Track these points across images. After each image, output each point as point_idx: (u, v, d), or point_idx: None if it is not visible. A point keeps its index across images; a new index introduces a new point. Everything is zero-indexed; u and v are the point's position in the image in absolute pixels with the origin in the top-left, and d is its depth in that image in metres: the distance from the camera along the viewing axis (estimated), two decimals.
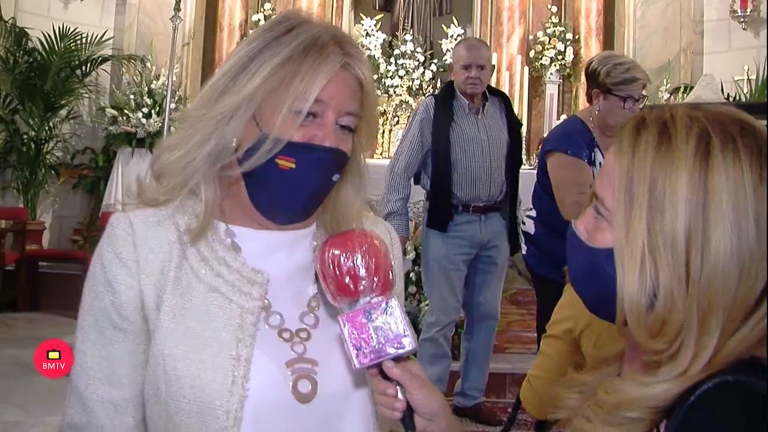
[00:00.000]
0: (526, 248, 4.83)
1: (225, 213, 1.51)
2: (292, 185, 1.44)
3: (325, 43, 1.43)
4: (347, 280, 1.35)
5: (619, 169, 1.13)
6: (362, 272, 1.35)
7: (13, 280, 8.73)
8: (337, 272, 1.36)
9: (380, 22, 10.92)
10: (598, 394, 1.15)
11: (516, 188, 5.45)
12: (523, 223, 4.92)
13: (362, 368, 1.34)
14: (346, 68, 1.45)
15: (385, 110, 10.06)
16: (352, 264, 1.36)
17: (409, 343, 1.33)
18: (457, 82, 5.28)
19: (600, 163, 4.18)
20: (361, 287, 1.35)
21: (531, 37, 10.73)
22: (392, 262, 1.44)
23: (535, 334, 5.06)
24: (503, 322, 6.24)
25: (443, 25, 10.97)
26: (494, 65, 5.76)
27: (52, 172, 9.84)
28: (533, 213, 4.69)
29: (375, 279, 1.36)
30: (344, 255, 1.36)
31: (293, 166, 1.41)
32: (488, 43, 7.49)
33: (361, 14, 11.10)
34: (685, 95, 9.02)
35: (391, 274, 1.40)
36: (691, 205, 1.06)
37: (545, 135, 8.56)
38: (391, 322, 1.34)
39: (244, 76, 1.43)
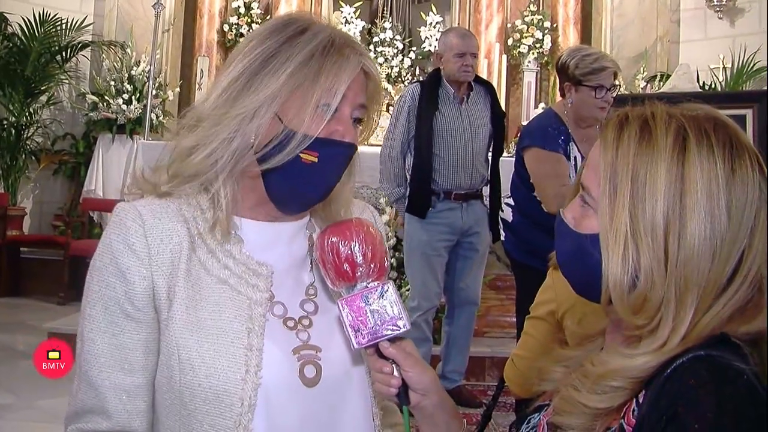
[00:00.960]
0: (504, 235, 4.89)
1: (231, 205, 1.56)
2: (313, 178, 1.50)
3: (341, 44, 1.50)
4: (345, 266, 1.43)
5: (604, 162, 1.24)
6: (359, 259, 1.43)
7: None
8: (336, 259, 1.43)
9: (359, 10, 10.90)
10: (585, 366, 1.26)
11: (498, 177, 5.55)
12: (502, 211, 5.00)
13: (360, 348, 1.43)
14: (362, 66, 1.52)
15: None
16: (349, 251, 1.43)
17: (403, 325, 1.42)
18: (449, 70, 5.36)
19: (575, 158, 4.25)
20: (359, 273, 1.43)
21: (509, 25, 10.75)
22: (386, 249, 1.51)
23: (514, 319, 5.14)
24: (482, 307, 6.29)
25: (422, 13, 10.99)
26: None
27: (33, 157, 9.83)
28: (511, 201, 4.76)
29: (371, 265, 1.44)
30: (342, 243, 1.44)
31: (316, 160, 1.47)
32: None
33: (340, 2, 11.08)
34: (661, 84, 9.09)
35: (386, 261, 1.48)
36: (670, 195, 1.17)
37: (523, 124, 8.64)
38: (386, 305, 1.42)
39: (265, 75, 1.47)
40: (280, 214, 1.58)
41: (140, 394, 1.50)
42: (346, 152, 1.52)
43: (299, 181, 1.50)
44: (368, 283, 1.44)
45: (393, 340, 1.43)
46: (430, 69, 10.68)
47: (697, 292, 1.16)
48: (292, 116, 1.47)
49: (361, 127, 1.57)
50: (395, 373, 1.43)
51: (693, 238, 1.16)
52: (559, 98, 4.65)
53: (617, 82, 4.30)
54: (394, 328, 1.42)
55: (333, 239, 1.45)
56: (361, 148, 1.58)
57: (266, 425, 1.45)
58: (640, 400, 1.17)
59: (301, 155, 1.46)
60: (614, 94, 4.27)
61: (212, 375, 1.43)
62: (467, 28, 10.06)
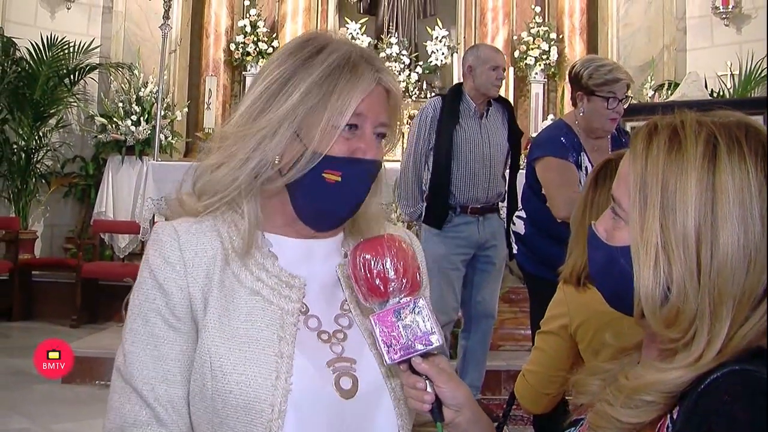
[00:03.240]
0: (516, 247, 4.89)
1: (261, 222, 1.60)
2: (339, 197, 1.54)
3: (357, 61, 1.53)
4: (377, 282, 1.43)
5: (634, 173, 1.22)
6: (391, 274, 1.43)
7: (6, 289, 8.72)
8: (368, 275, 1.44)
9: (365, 26, 10.93)
10: (619, 380, 1.24)
11: (514, 194, 5.51)
12: (513, 224, 4.99)
13: (393, 364, 1.42)
14: (378, 83, 1.55)
15: None
16: (381, 267, 1.43)
17: (436, 340, 1.41)
18: (481, 82, 5.36)
19: (586, 168, 4.22)
20: (391, 288, 1.43)
21: (515, 37, 10.76)
22: (420, 265, 1.51)
23: (528, 332, 5.13)
24: (497, 321, 6.29)
25: (428, 27, 11.01)
26: None
27: (43, 181, 9.86)
28: (522, 213, 4.75)
29: (403, 280, 1.44)
30: (375, 259, 1.44)
31: (339, 179, 1.51)
32: (473, 44, 7.62)
33: (345, 18, 11.11)
34: (669, 92, 9.10)
35: (418, 276, 1.47)
36: (701, 204, 1.15)
37: (532, 136, 8.62)
38: (419, 321, 1.42)
39: (283, 96, 1.52)
40: (312, 232, 1.61)
41: (184, 405, 1.52)
42: (370, 169, 1.55)
43: (326, 201, 1.54)
44: (400, 299, 1.44)
45: (426, 355, 1.42)
46: (437, 83, 10.74)
47: (732, 303, 1.14)
48: (310, 135, 1.51)
49: (384, 141, 1.60)
50: (428, 388, 1.42)
51: (726, 248, 1.13)
52: (567, 109, 4.63)
53: (629, 94, 4.29)
54: (427, 343, 1.41)
55: (366, 256, 1.45)
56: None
57: None
58: (674, 416, 1.15)
59: (325, 175, 1.51)
60: (626, 105, 4.27)
61: (243, 382, 1.46)
62: (473, 41, 10.14)
